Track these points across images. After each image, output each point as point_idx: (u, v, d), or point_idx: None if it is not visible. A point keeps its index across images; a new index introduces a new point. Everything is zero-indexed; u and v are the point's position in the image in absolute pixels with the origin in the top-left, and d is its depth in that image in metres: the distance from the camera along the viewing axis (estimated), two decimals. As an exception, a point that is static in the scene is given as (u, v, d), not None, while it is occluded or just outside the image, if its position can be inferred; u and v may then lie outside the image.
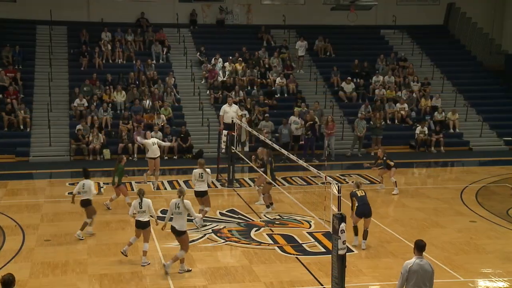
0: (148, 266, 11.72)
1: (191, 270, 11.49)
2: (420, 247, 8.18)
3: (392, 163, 17.12)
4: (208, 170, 14.14)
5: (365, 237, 12.69)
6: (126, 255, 11.88)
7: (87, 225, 13.35)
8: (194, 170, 14.15)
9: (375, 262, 12.01)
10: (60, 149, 21.91)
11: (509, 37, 29.95)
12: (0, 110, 22.52)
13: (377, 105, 24.48)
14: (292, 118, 22.42)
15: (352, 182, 13.68)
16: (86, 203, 13.31)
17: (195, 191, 14.20)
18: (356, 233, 12.81)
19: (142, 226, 11.77)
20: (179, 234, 11.32)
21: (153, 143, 17.54)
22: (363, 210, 12.62)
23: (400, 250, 12.57)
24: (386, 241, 13.15)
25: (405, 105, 24.88)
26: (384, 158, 17.19)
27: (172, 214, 11.39)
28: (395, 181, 17.11)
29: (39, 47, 26.12)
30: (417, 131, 23.46)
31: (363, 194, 12.75)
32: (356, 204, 12.70)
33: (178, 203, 11.31)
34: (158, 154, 17.60)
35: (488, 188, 17.93)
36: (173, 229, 11.35)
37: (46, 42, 26.18)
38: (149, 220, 11.79)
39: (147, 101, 23.41)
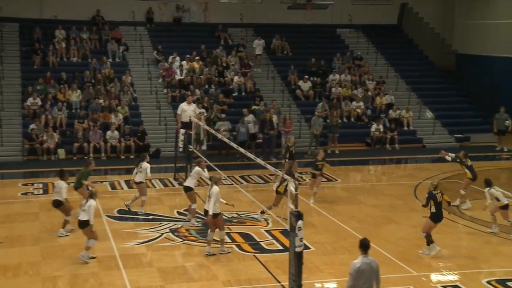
0: (106, 267, 11.59)
1: (230, 252, 12.25)
2: (364, 246, 8.38)
3: (317, 173, 16.22)
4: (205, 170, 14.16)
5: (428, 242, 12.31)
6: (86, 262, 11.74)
7: (68, 223, 13.19)
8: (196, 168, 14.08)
9: (332, 259, 12.19)
10: (12, 149, 21.42)
11: (459, 37, 30.77)
12: (-50, 109, 21.89)
13: (333, 103, 24.80)
14: (245, 118, 22.54)
15: (433, 182, 12.95)
16: (57, 204, 13.14)
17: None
18: (430, 241, 12.22)
19: (80, 225, 11.76)
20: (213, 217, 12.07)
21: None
22: (440, 215, 12.24)
23: (356, 246, 12.72)
24: (342, 238, 13.36)
25: (361, 103, 25.28)
26: (322, 162, 16.38)
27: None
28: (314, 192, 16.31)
29: (-11, 45, 25.47)
30: (373, 128, 23.87)
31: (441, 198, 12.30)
32: (434, 210, 12.24)
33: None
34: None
35: (440, 184, 18.31)
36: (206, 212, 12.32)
37: (-3, 39, 25.57)
38: (88, 220, 11.63)
39: (103, 100, 23.11)
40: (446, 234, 13.70)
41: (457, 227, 14.36)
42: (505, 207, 13.43)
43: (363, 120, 25.03)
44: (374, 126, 23.89)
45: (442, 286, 10.99)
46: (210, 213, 12.10)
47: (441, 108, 26.39)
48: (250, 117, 22.73)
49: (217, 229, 12.29)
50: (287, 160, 17.53)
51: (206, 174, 14.09)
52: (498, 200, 13.43)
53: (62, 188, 13.11)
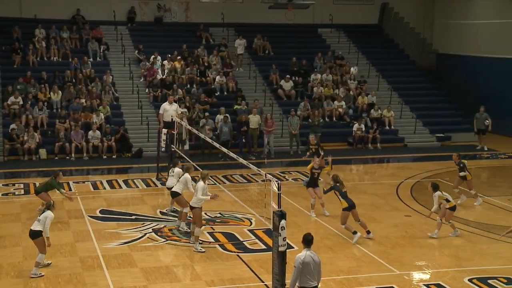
0: (88, 267, 11.51)
1: (204, 251, 12.29)
2: (307, 241, 8.69)
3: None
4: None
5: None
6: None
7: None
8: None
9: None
10: (-8, 150, 21.18)
11: (439, 37, 31.08)
12: None
13: (315, 103, 24.89)
14: (219, 116, 22.55)
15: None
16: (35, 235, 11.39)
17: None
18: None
19: (31, 235, 11.11)
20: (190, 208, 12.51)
21: None
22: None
23: (339, 245, 12.87)
24: (325, 237, 13.42)
25: (343, 103, 25.41)
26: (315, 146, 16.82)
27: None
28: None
29: (-32, 44, 25.14)
30: (354, 128, 24.01)
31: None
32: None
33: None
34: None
35: (422, 183, 18.56)
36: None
37: (-24, 38, 25.23)
38: (40, 231, 10.97)
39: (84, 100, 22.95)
40: (428, 233, 13.83)
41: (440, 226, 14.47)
42: (453, 208, 13.35)
43: (345, 119, 25.15)
44: (356, 126, 24.03)
45: (424, 284, 11.09)
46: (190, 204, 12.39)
47: (422, 108, 26.63)
48: (221, 117, 22.58)
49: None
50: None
51: (191, 188, 13.33)
52: (448, 200, 13.31)
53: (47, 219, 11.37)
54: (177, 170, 14.38)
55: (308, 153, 17.68)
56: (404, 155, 23.27)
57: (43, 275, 11.06)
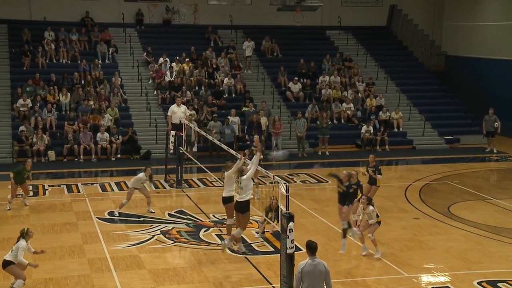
0: (97, 269, 11.54)
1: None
2: (311, 248, 8.34)
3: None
4: None
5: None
6: None
7: None
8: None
9: (324, 259, 12.16)
10: (2, 151, 21.28)
11: (448, 39, 30.95)
12: None
13: (323, 105, 24.85)
14: (230, 118, 22.57)
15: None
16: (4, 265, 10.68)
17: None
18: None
19: (2, 265, 10.56)
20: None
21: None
22: None
23: (347, 247, 12.81)
24: (333, 239, 13.38)
25: (351, 105, 25.35)
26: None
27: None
28: None
29: (-22, 46, 25.31)
30: (363, 130, 23.95)
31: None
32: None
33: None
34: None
35: (430, 185, 18.49)
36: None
37: (-14, 41, 25.40)
38: (11, 261, 10.44)
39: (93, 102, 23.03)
40: (436, 236, 13.78)
41: (448, 228, 14.42)
42: (379, 223, 12.43)
43: (353, 121, 25.10)
44: (364, 128, 23.97)
45: (433, 287, 11.03)
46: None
47: (431, 110, 26.52)
48: (236, 119, 22.80)
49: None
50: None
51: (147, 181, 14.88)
52: (378, 216, 12.39)
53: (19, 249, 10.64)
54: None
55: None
56: (413, 157, 23.18)
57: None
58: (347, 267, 11.85)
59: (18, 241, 10.59)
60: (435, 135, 25.41)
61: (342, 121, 25.14)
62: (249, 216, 12.00)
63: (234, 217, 12.11)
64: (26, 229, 10.73)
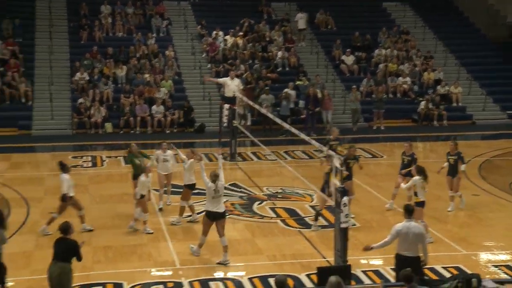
0: (153, 239, 11.75)
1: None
2: (408, 211, 8.79)
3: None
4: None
5: None
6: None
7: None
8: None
9: (377, 236, 11.96)
10: (62, 123, 21.87)
11: (514, 8, 29.53)
12: (2, 83, 22.38)
13: (379, 79, 24.36)
14: (287, 90, 22.37)
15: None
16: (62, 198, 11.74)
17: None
18: None
19: None
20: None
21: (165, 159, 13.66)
22: None
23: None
24: (388, 215, 13.17)
25: (408, 79, 24.75)
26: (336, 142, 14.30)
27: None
28: None
29: (39, 20, 25.87)
30: (421, 105, 23.35)
31: None
32: None
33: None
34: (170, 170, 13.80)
35: (491, 161, 17.93)
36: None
37: (46, 15, 25.93)
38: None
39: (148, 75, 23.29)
40: (497, 213, 13.36)
41: (509, 205, 13.96)
42: (422, 204, 11.41)
43: (410, 96, 24.52)
44: (422, 103, 23.38)
45: (493, 265, 10.72)
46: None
47: (493, 84, 25.59)
48: (293, 92, 22.63)
49: None
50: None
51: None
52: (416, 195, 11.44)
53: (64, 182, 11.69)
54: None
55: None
56: (472, 133, 22.49)
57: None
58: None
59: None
60: (497, 109, 24.55)
61: (398, 95, 24.60)
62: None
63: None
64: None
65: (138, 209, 12.02)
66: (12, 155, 18.47)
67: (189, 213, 12.72)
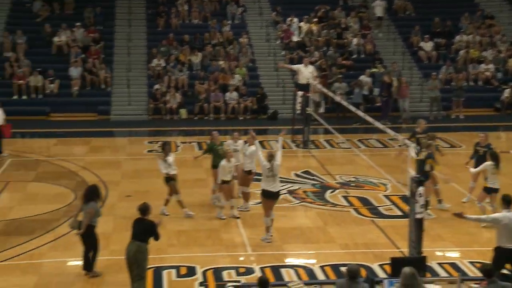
0: (225, 225, 11.88)
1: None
2: (506, 201, 8.64)
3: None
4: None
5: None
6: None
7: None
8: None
9: (454, 228, 11.64)
10: (139, 108, 22.45)
11: None
12: (84, 69, 23.21)
13: (459, 66, 23.48)
14: (363, 78, 21.96)
15: None
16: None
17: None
18: None
19: None
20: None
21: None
22: None
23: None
24: (467, 206, 12.71)
25: (491, 66, 23.71)
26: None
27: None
28: None
29: (118, 8, 26.58)
30: (505, 93, 22.33)
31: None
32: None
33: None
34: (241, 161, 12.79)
35: None
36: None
37: (125, 3, 26.62)
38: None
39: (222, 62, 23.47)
40: None
41: None
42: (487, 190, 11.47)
43: (492, 83, 23.49)
44: (506, 91, 22.35)
45: None
46: None
47: None
48: (369, 79, 22.21)
49: None
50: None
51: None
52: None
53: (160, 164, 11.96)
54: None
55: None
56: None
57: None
58: (484, 236, 11.22)
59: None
60: None
61: (480, 83, 23.62)
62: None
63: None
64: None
65: (216, 195, 12.05)
66: (91, 139, 19.16)
67: (258, 200, 12.72)
